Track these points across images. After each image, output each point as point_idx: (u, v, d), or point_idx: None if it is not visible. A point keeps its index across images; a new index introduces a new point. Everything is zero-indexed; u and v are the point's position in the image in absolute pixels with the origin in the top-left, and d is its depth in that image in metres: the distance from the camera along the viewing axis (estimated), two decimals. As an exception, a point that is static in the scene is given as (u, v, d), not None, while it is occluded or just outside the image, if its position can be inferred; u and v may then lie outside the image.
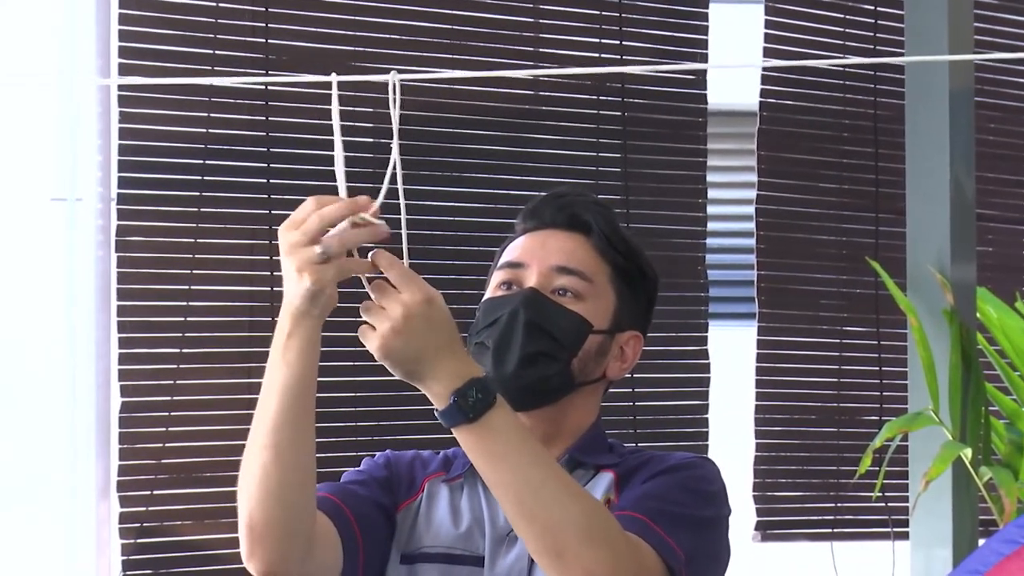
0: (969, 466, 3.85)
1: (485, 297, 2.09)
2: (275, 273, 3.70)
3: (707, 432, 4.20)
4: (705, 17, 4.25)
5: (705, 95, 4.24)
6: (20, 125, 3.78)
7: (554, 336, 2.02)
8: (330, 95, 1.82)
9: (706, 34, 4.24)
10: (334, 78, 1.80)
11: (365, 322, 1.77)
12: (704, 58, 4.24)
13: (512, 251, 2.10)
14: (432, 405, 1.82)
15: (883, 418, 4.33)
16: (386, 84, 1.81)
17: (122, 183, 3.60)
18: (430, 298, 1.76)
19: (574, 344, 2.03)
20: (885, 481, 3.96)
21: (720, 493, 2.04)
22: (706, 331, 4.23)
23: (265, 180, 3.75)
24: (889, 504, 4.34)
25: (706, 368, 4.22)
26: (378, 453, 2.12)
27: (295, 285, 1.76)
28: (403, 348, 1.76)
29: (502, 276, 2.08)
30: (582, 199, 2.14)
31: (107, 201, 3.63)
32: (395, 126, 1.81)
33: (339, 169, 1.82)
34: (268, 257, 3.74)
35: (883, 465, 3.88)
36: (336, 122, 1.80)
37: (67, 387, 3.59)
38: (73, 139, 3.64)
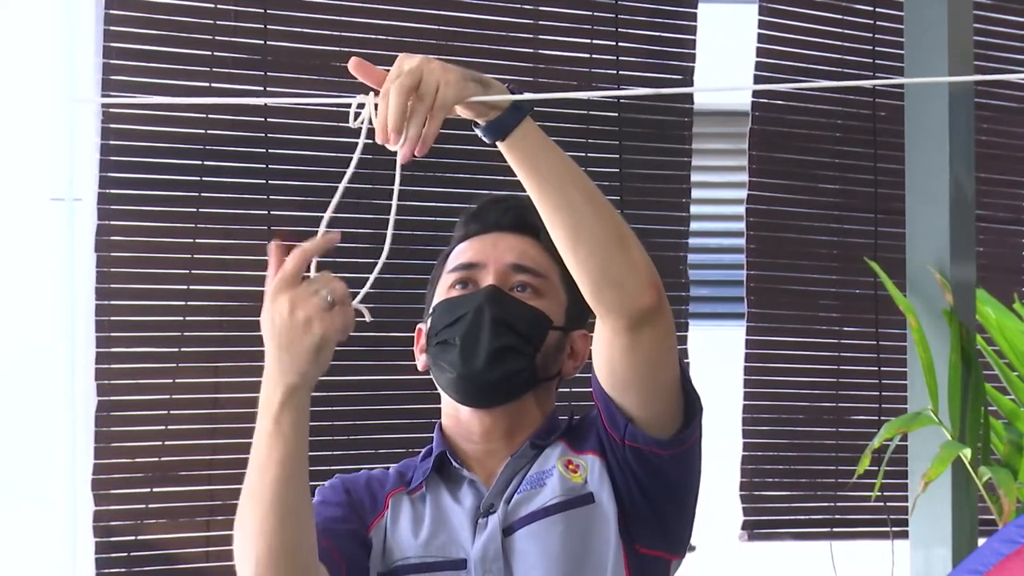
0: (968, 466, 3.85)
1: (439, 299, 2.10)
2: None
3: None
4: (693, 18, 4.24)
5: (691, 96, 4.23)
6: (20, 125, 3.78)
7: (519, 331, 2.05)
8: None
9: (694, 34, 4.24)
10: (369, 99, 1.78)
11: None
12: (692, 58, 4.23)
13: (463, 253, 2.12)
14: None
15: (882, 418, 4.33)
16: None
17: (103, 183, 3.58)
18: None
19: (537, 339, 2.06)
20: (884, 481, 3.96)
21: None
22: (686, 330, 4.22)
23: (264, 181, 3.74)
24: (888, 504, 4.34)
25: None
26: (327, 482, 2.11)
27: (299, 341, 1.72)
28: (454, 69, 1.78)
29: (456, 277, 2.10)
30: (525, 202, 2.15)
31: (116, 202, 3.62)
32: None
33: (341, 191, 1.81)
34: (267, 258, 3.73)
35: (882, 465, 3.88)
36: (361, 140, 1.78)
37: (67, 387, 3.58)
38: (72, 139, 3.64)
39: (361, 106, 1.77)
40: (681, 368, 2.00)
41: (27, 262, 3.81)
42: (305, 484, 1.81)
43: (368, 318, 1.81)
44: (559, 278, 2.10)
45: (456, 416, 2.11)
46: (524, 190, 1.90)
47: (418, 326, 2.13)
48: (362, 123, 1.78)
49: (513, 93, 1.83)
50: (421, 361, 2.11)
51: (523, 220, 2.11)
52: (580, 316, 2.12)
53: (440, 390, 2.11)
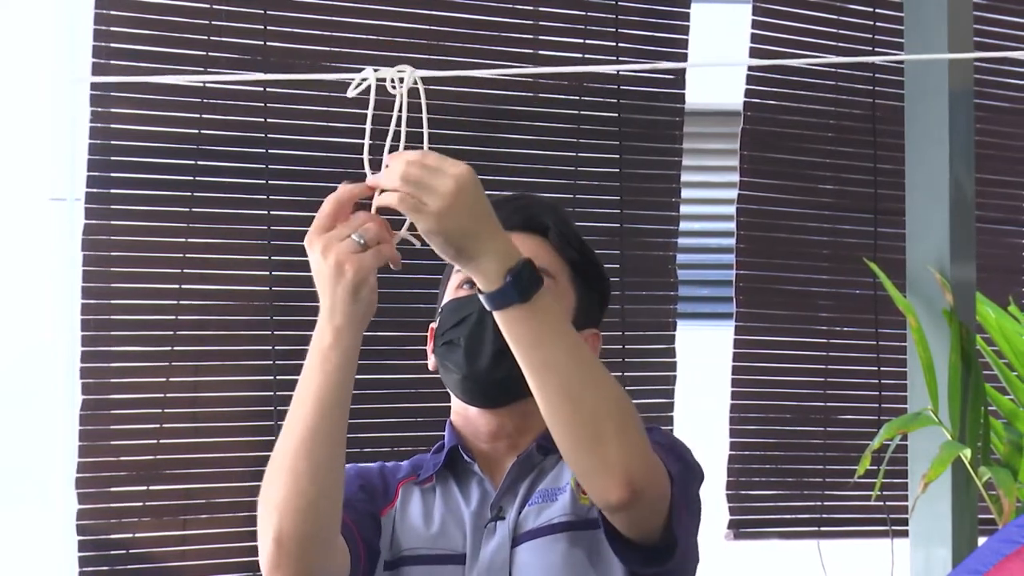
0: (968, 466, 3.86)
1: (447, 299, 2.10)
2: (275, 272, 3.72)
3: (672, 430, 4.17)
4: (686, 17, 4.24)
5: (683, 95, 4.23)
6: (19, 125, 3.78)
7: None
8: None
9: (687, 34, 4.23)
10: (371, 73, 1.80)
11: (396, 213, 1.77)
12: (684, 58, 4.23)
13: None
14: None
15: (882, 418, 4.33)
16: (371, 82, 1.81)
17: (92, 182, 3.56)
18: (474, 172, 1.77)
19: None
20: (884, 480, 3.96)
21: (691, 452, 2.09)
22: (674, 330, 4.21)
23: (264, 181, 3.73)
24: (888, 503, 4.34)
25: (672, 367, 4.20)
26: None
27: (334, 284, 1.77)
28: (457, 223, 1.75)
29: (464, 276, 2.08)
30: (534, 201, 2.17)
31: (117, 202, 3.61)
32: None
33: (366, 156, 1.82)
34: (267, 257, 3.72)
35: (883, 465, 3.88)
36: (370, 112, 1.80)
37: (68, 385, 3.58)
38: (72, 139, 3.64)
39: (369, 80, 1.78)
40: (671, 518, 1.95)
41: (27, 262, 3.81)
42: (343, 425, 1.82)
43: (418, 244, 1.82)
44: (568, 278, 2.10)
45: (465, 415, 2.11)
46: (529, 188, 1.90)
47: (431, 325, 2.13)
48: (364, 94, 1.79)
49: (531, 269, 1.81)
50: (432, 361, 2.11)
51: (532, 219, 2.10)
52: (589, 316, 2.12)
53: (448, 389, 2.11)
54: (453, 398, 2.12)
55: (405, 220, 1.80)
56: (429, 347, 2.12)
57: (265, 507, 1.83)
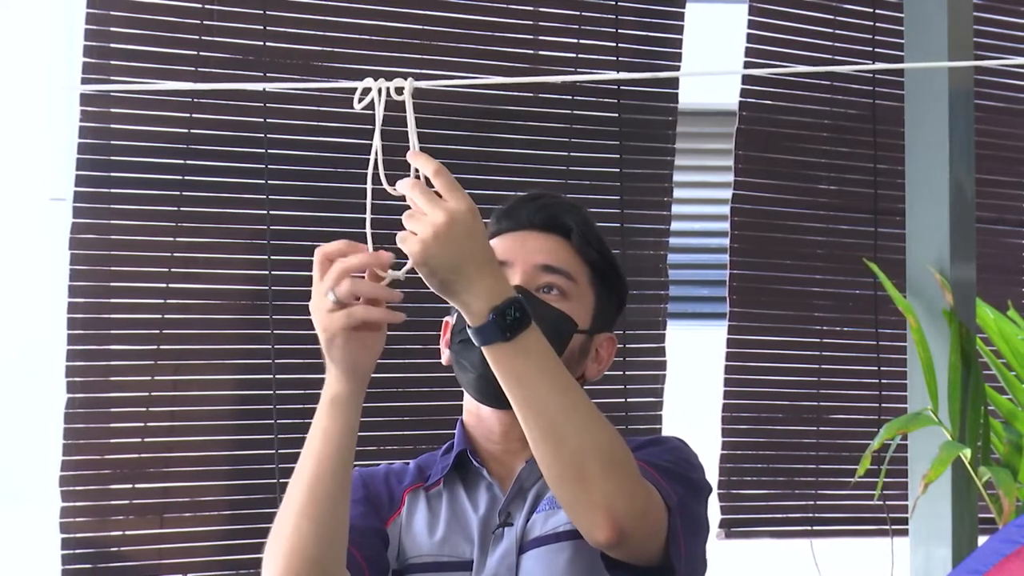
0: (968, 466, 3.86)
1: None
2: (274, 272, 3.71)
3: (660, 429, 4.17)
4: (681, 17, 4.23)
5: (676, 94, 4.22)
6: (19, 125, 3.78)
7: (542, 334, 2.02)
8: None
9: (681, 34, 4.22)
10: (373, 83, 1.78)
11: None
12: (678, 58, 4.22)
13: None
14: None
15: (882, 418, 4.33)
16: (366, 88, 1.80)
17: (80, 182, 3.55)
18: (474, 210, 1.76)
19: (561, 343, 2.03)
20: (884, 480, 3.96)
21: (700, 465, 2.09)
22: (664, 329, 4.21)
23: (263, 180, 3.72)
24: (888, 503, 4.34)
25: (663, 366, 4.20)
26: None
27: (321, 341, 1.79)
28: (443, 256, 1.74)
29: None
30: (558, 201, 2.16)
31: (106, 201, 3.60)
32: (412, 132, 1.80)
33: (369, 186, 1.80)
34: (266, 257, 3.72)
35: (883, 464, 3.88)
36: (378, 132, 1.78)
37: (53, 384, 3.56)
38: (73, 140, 3.63)
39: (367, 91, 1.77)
40: (669, 547, 1.95)
41: (27, 262, 3.81)
42: (344, 484, 1.83)
43: (402, 277, 1.79)
44: (588, 280, 2.10)
45: (477, 414, 2.10)
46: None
47: (445, 319, 2.12)
48: (368, 108, 1.77)
49: (518, 309, 1.79)
50: (445, 356, 2.10)
51: (555, 219, 2.10)
52: (607, 319, 2.12)
53: (463, 387, 2.10)
54: (466, 396, 2.11)
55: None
56: (443, 341, 2.11)
57: (270, 560, 1.85)
